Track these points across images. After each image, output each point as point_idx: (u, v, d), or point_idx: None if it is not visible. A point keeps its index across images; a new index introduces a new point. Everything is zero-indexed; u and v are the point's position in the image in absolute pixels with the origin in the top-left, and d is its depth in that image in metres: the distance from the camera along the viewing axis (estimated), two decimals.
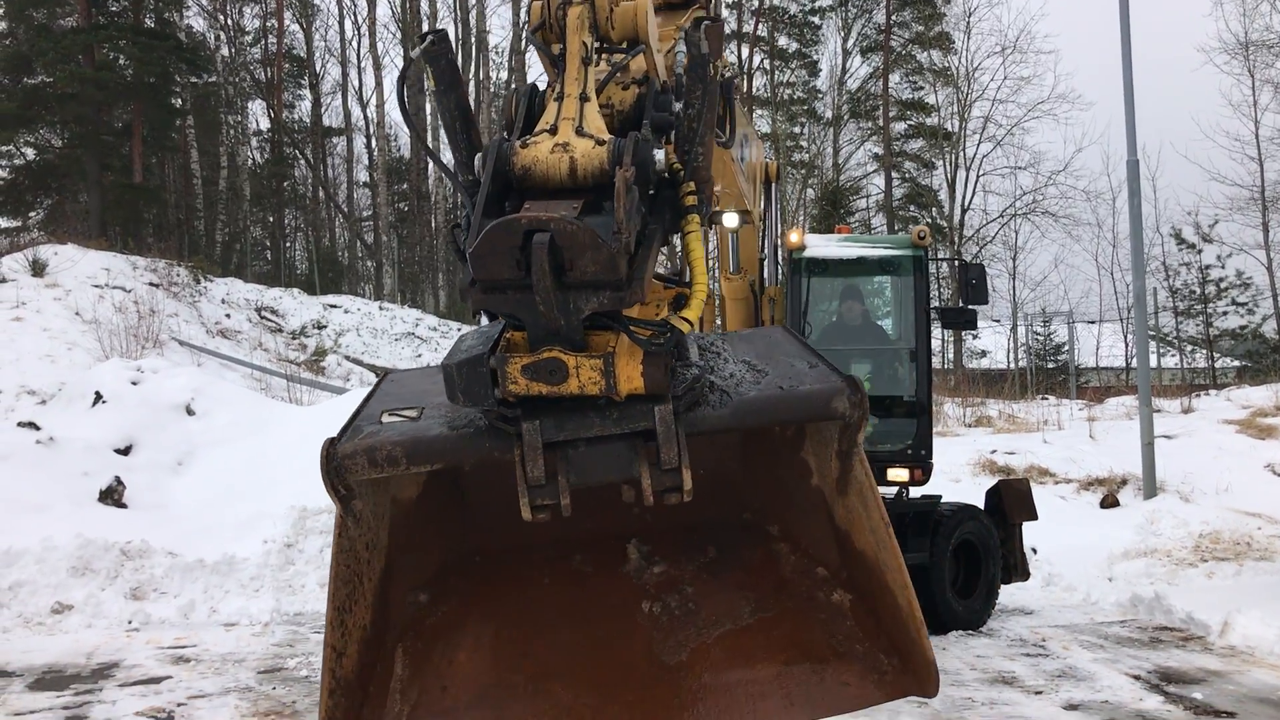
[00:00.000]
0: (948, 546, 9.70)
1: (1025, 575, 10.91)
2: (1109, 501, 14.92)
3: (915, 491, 10.29)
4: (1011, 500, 10.84)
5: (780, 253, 9.80)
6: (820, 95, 43.99)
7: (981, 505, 10.65)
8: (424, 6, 39.47)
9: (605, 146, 3.06)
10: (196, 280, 25.76)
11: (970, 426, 21.90)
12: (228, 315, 24.99)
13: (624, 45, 3.54)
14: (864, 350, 9.85)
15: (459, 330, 30.85)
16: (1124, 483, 15.28)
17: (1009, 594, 10.87)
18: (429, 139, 34.15)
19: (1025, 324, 38.41)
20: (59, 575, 9.94)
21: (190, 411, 13.70)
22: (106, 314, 19.81)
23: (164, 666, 8.18)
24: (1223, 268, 34.19)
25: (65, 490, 11.54)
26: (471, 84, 37.70)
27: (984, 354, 40.68)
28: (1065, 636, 9.43)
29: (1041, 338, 38.58)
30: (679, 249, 3.52)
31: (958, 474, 15.81)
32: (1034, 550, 11.82)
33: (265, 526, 10.88)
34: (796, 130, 44.28)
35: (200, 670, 8.02)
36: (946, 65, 41.55)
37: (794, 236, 9.52)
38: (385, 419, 3.26)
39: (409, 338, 29.80)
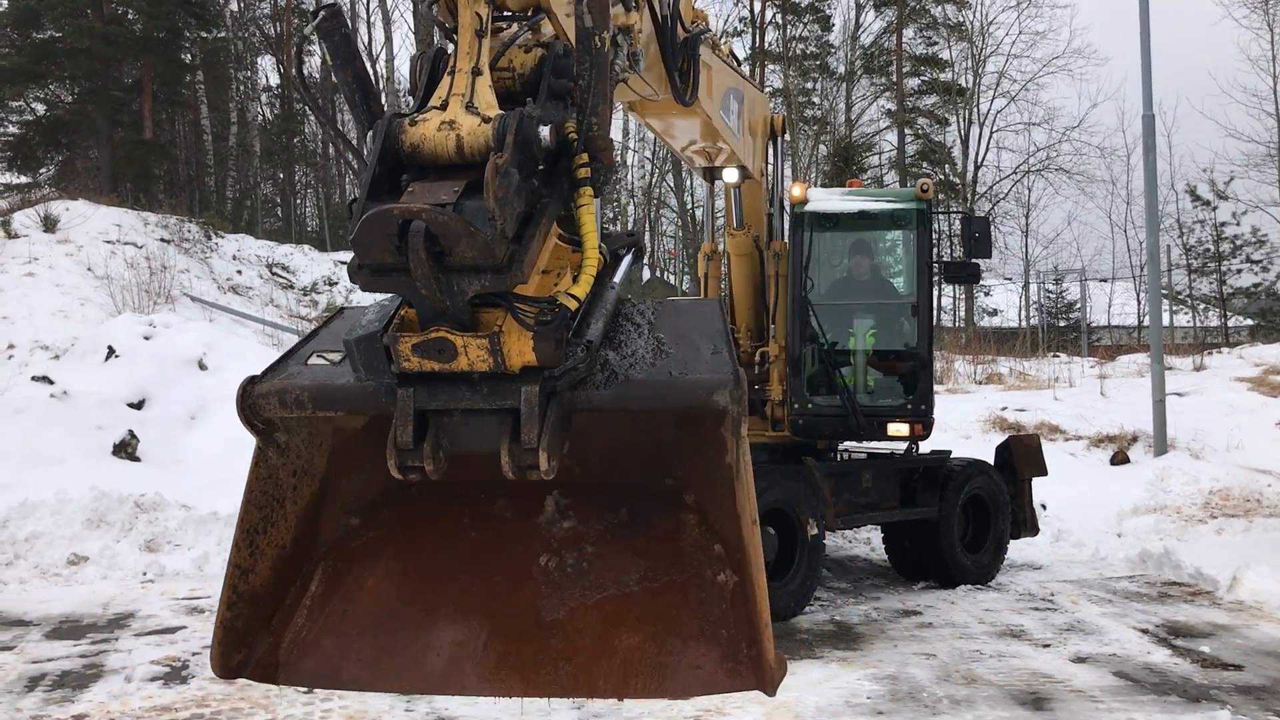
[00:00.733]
0: (957, 501, 9.72)
1: (1034, 531, 10.94)
2: (1119, 458, 14.92)
3: (925, 447, 10.31)
4: (1021, 456, 10.85)
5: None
6: (833, 50, 43.57)
7: (991, 461, 10.66)
8: None
9: (491, 124, 3.10)
10: (208, 236, 25.78)
11: (981, 384, 21.87)
12: (239, 271, 25.01)
13: (528, 13, 3.52)
14: (867, 305, 9.79)
15: None
16: (1134, 440, 15.27)
17: (1018, 549, 10.91)
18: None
19: (1037, 282, 38.32)
20: (74, 527, 10.04)
21: (203, 366, 13.77)
22: (118, 269, 19.85)
23: (178, 617, 8.27)
24: (1238, 225, 33.92)
25: (79, 444, 11.62)
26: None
27: (995, 312, 40.57)
28: (1074, 591, 9.46)
29: (1054, 295, 38.47)
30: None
31: (968, 430, 15.80)
32: (1043, 506, 11.85)
33: None
34: (809, 86, 43.89)
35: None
36: (961, 20, 41.16)
37: (796, 190, 9.44)
38: (311, 361, 3.46)
39: None
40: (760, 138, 8.95)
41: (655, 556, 3.58)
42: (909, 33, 42.30)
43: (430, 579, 3.70)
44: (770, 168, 9.36)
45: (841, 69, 43.03)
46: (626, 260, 3.82)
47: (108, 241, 21.80)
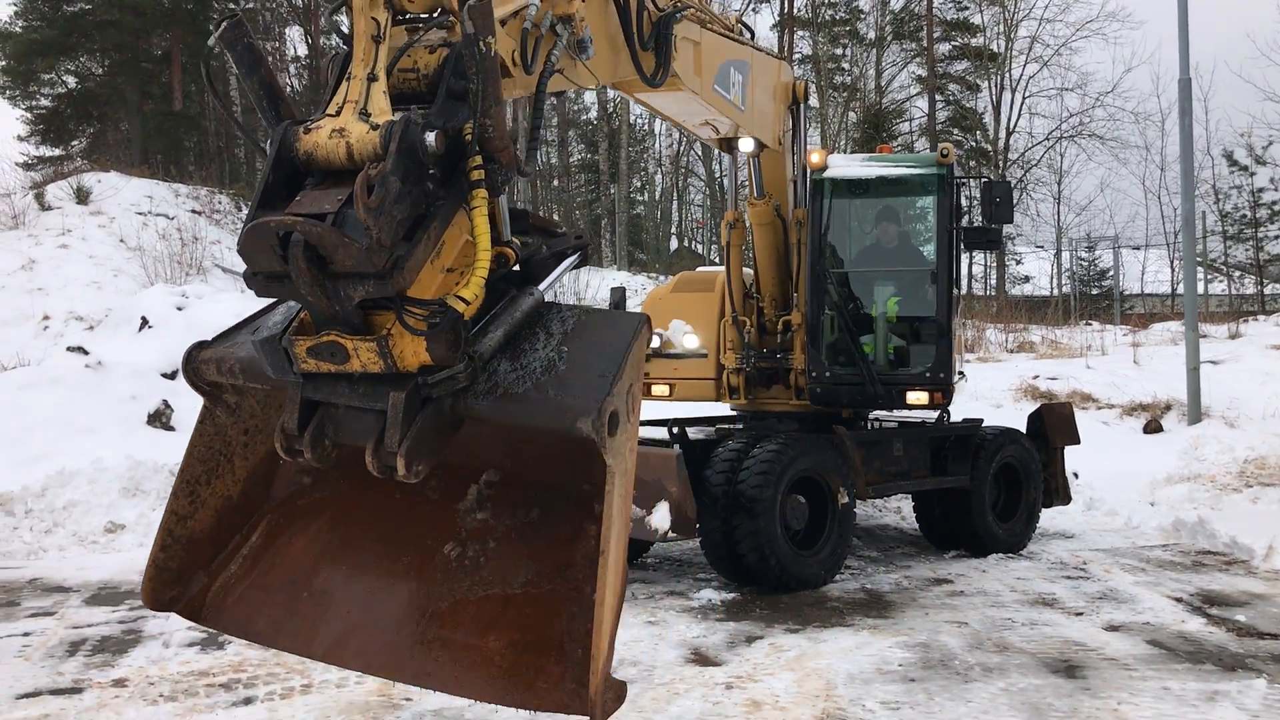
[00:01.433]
0: (989, 470, 9.67)
1: (1066, 499, 10.88)
2: (1152, 427, 14.79)
3: (956, 415, 10.26)
4: (1054, 424, 10.78)
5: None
6: (863, 16, 42.99)
7: (1024, 429, 10.60)
8: None
9: (379, 131, 3.18)
10: (238, 207, 25.90)
11: (1012, 352, 21.73)
12: None
13: (435, 13, 3.55)
14: (885, 272, 9.70)
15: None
16: (1168, 408, 15.13)
17: (1050, 518, 10.85)
18: None
19: (1070, 249, 37.96)
20: (110, 495, 10.16)
21: None
22: (150, 241, 20.00)
23: None
24: (1276, 190, 33.38)
25: (114, 413, 11.76)
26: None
27: (1027, 280, 40.24)
28: (1106, 560, 9.41)
29: (1086, 263, 38.13)
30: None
31: (999, 399, 15.72)
32: (1075, 475, 11.77)
33: None
34: (838, 52, 43.42)
35: None
36: None
37: (815, 157, 9.33)
38: (259, 333, 3.60)
39: None
40: (779, 105, 8.85)
41: (547, 562, 3.64)
42: None
43: (348, 549, 3.87)
44: (791, 135, 9.27)
45: (871, 34, 42.53)
46: (565, 264, 3.84)
47: (139, 213, 21.96)
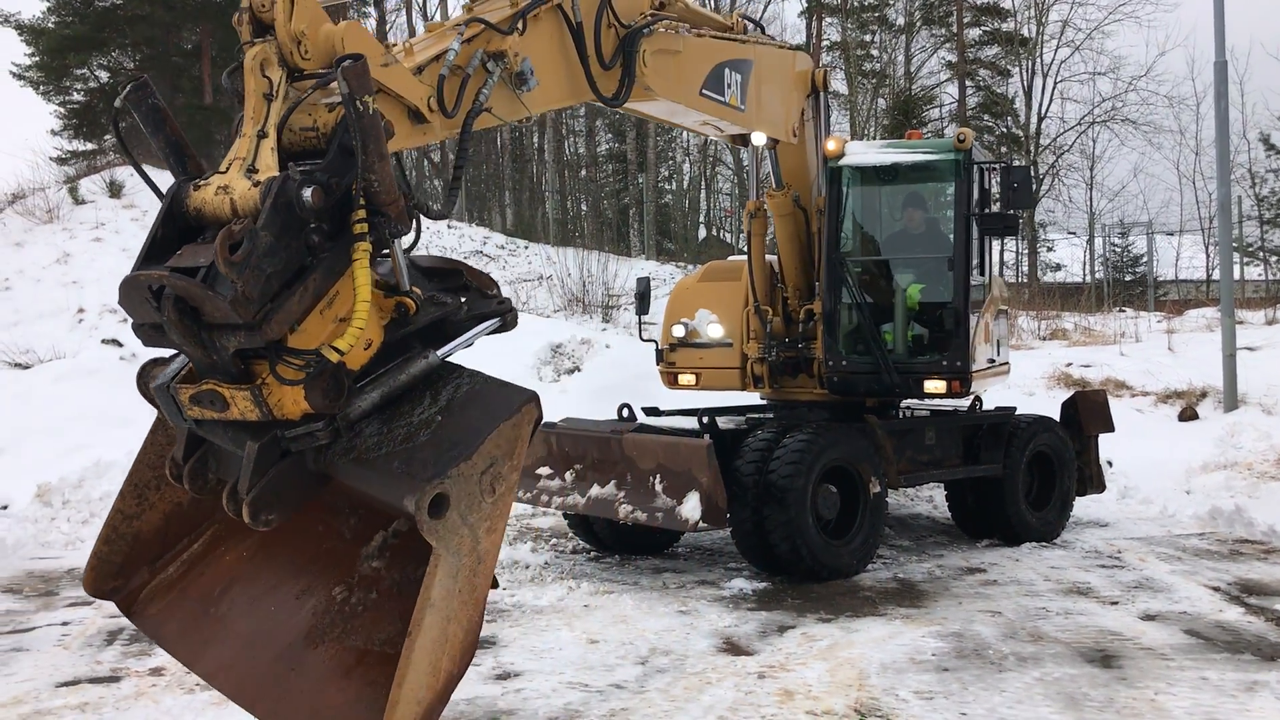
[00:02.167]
0: (1022, 458, 9.60)
1: (1101, 487, 10.80)
2: (1187, 414, 14.62)
3: (989, 403, 10.19)
4: (1087, 412, 10.69)
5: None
6: (891, 2, 42.70)
7: (1057, 417, 10.51)
8: None
9: (260, 188, 3.32)
10: None
11: (1045, 340, 21.56)
12: None
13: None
14: (905, 259, 9.62)
15: (525, 248, 30.93)
16: (1203, 395, 14.95)
17: (1084, 506, 10.77)
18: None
19: (1102, 235, 37.57)
20: None
21: None
22: None
23: None
24: None
25: (149, 405, 11.84)
26: None
27: (1059, 267, 39.89)
28: (1141, 548, 9.33)
29: (1119, 249, 37.72)
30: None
31: (1032, 387, 15.61)
32: (1109, 463, 11.68)
33: None
34: (867, 38, 43.15)
35: None
36: None
37: (831, 144, 9.25)
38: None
39: (477, 255, 29.93)
40: (795, 97, 8.77)
41: (410, 624, 3.63)
42: None
43: (263, 573, 3.96)
44: (811, 124, 9.21)
45: (900, 20, 42.21)
46: (478, 329, 3.90)
47: None
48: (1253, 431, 13.08)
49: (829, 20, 40.94)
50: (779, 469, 7.89)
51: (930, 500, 11.65)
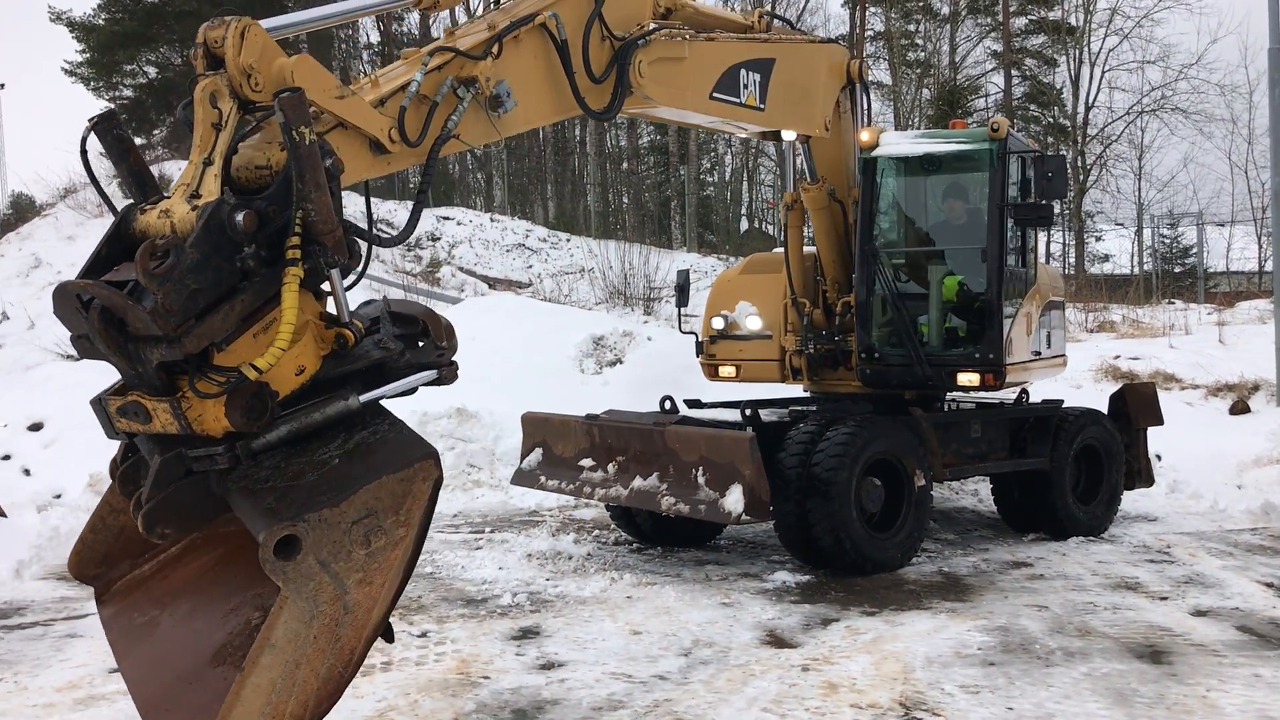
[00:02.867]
0: (1069, 451, 9.49)
1: (1149, 481, 10.65)
2: (1239, 408, 14.39)
3: (1036, 396, 10.07)
4: (1136, 405, 10.54)
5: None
6: None
7: (1105, 410, 10.38)
8: None
9: (197, 212, 3.46)
10: None
11: (1092, 332, 21.29)
12: None
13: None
14: (938, 251, 9.52)
15: (567, 241, 31.00)
16: (1255, 389, 14.70)
17: (1132, 500, 10.63)
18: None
19: (1151, 226, 37.05)
20: None
21: None
22: None
23: None
24: None
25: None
26: None
27: (1107, 258, 39.40)
28: (1191, 544, 9.20)
29: (1168, 240, 37.19)
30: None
31: (1079, 380, 15.41)
32: (1158, 457, 11.51)
33: None
34: (911, 28, 42.81)
35: None
36: None
37: (865, 135, 9.17)
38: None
39: (519, 249, 30.05)
40: (828, 90, 8.68)
41: None
42: None
43: (208, 587, 4.01)
44: (847, 116, 9.14)
45: (945, 9, 41.82)
46: (411, 379, 3.92)
47: None
48: None
49: (872, 10, 40.62)
50: (823, 462, 7.86)
51: (975, 494, 11.54)
